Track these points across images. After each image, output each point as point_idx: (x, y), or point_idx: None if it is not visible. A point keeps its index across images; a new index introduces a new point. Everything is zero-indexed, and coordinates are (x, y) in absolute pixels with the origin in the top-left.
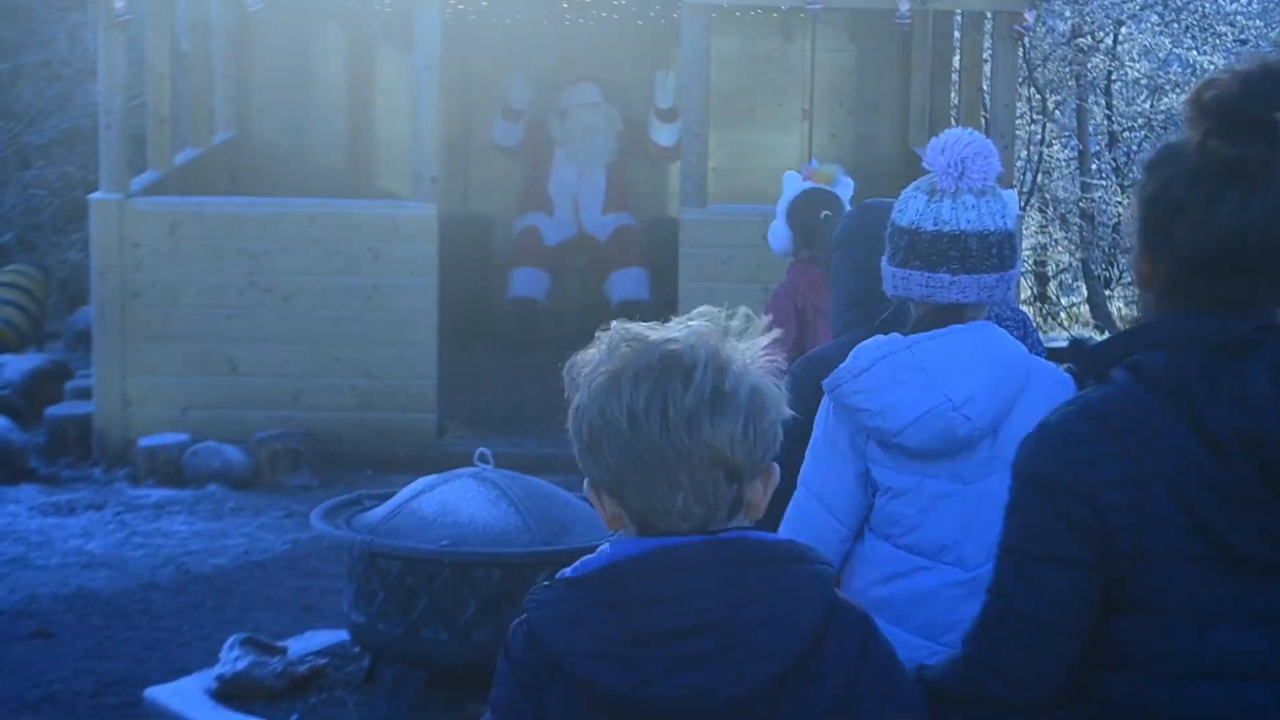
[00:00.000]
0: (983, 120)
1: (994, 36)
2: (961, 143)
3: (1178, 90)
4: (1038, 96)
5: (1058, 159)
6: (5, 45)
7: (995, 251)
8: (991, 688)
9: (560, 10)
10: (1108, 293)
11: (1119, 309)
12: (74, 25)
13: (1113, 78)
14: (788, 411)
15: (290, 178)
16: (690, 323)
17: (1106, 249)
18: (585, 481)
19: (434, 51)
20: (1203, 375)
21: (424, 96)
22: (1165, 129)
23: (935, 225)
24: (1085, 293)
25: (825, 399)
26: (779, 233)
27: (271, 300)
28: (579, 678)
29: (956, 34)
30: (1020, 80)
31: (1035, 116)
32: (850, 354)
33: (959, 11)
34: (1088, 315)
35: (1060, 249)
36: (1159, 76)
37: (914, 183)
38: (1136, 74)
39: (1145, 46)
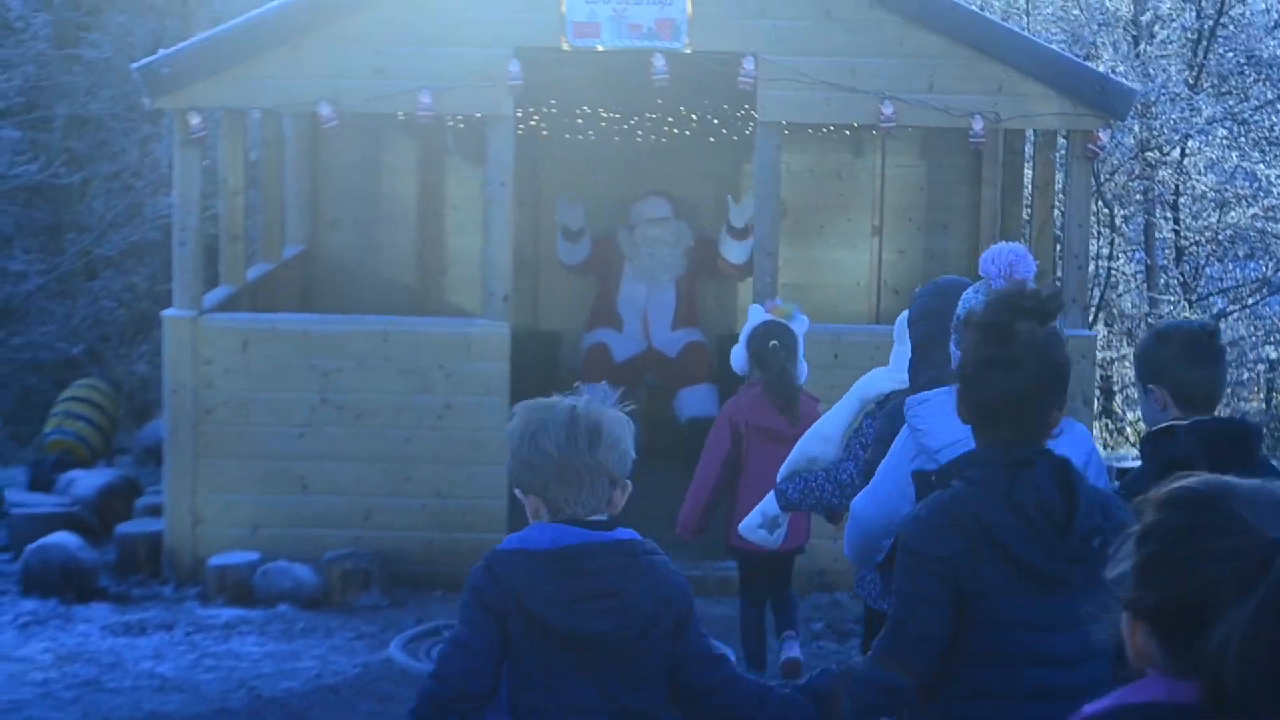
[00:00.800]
0: (1055, 237)
1: (1068, 155)
2: (1006, 250)
3: (1245, 204)
4: (1105, 210)
5: (1124, 273)
6: (77, 157)
7: None
8: (896, 677)
9: (632, 127)
10: None
11: None
12: (145, 137)
13: (1180, 191)
14: (632, 451)
15: (360, 292)
16: (580, 397)
17: None
18: (517, 489)
19: (506, 168)
20: (1008, 477)
21: (495, 213)
22: (1232, 244)
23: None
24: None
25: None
26: (739, 355)
27: (343, 418)
28: (537, 616)
29: (1028, 149)
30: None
31: (1102, 230)
32: (921, 394)
33: (1031, 129)
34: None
35: (1127, 364)
36: (1226, 190)
37: (974, 285)
38: (1204, 188)
39: (1212, 160)
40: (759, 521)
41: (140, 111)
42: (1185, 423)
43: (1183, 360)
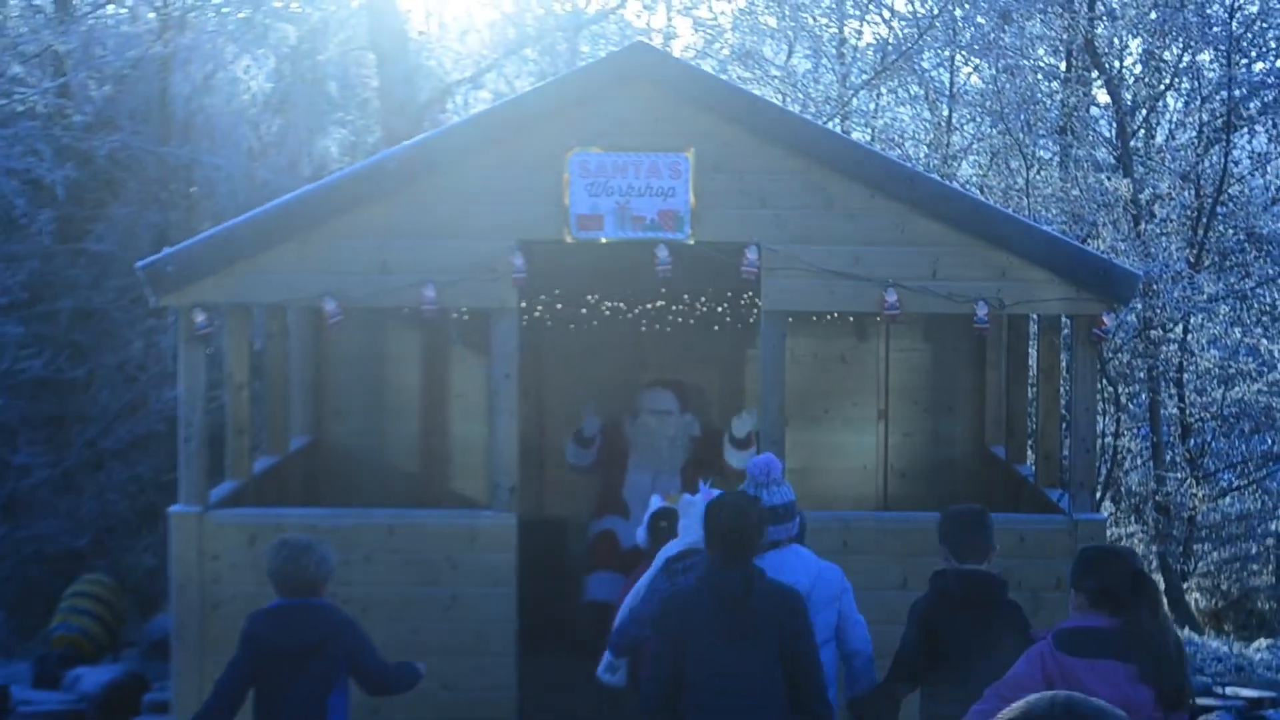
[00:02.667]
0: (1061, 418)
1: (1073, 339)
2: (764, 460)
3: (1249, 379)
4: (1110, 388)
5: (1130, 450)
6: (81, 349)
7: (787, 512)
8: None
9: (635, 316)
10: (1185, 585)
11: (1196, 600)
12: (149, 329)
13: (1184, 368)
14: None
15: (366, 481)
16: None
17: (1181, 541)
18: None
19: (511, 359)
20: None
21: (500, 405)
22: (1237, 419)
23: (771, 503)
24: (1162, 585)
25: None
26: (641, 535)
27: (350, 611)
28: None
29: (1032, 330)
30: None
31: (1108, 407)
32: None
33: (1035, 314)
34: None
35: (1135, 541)
36: (1229, 366)
37: (745, 484)
38: (1207, 364)
39: (1214, 336)
40: (602, 667)
41: (144, 303)
42: (956, 567)
43: (958, 529)
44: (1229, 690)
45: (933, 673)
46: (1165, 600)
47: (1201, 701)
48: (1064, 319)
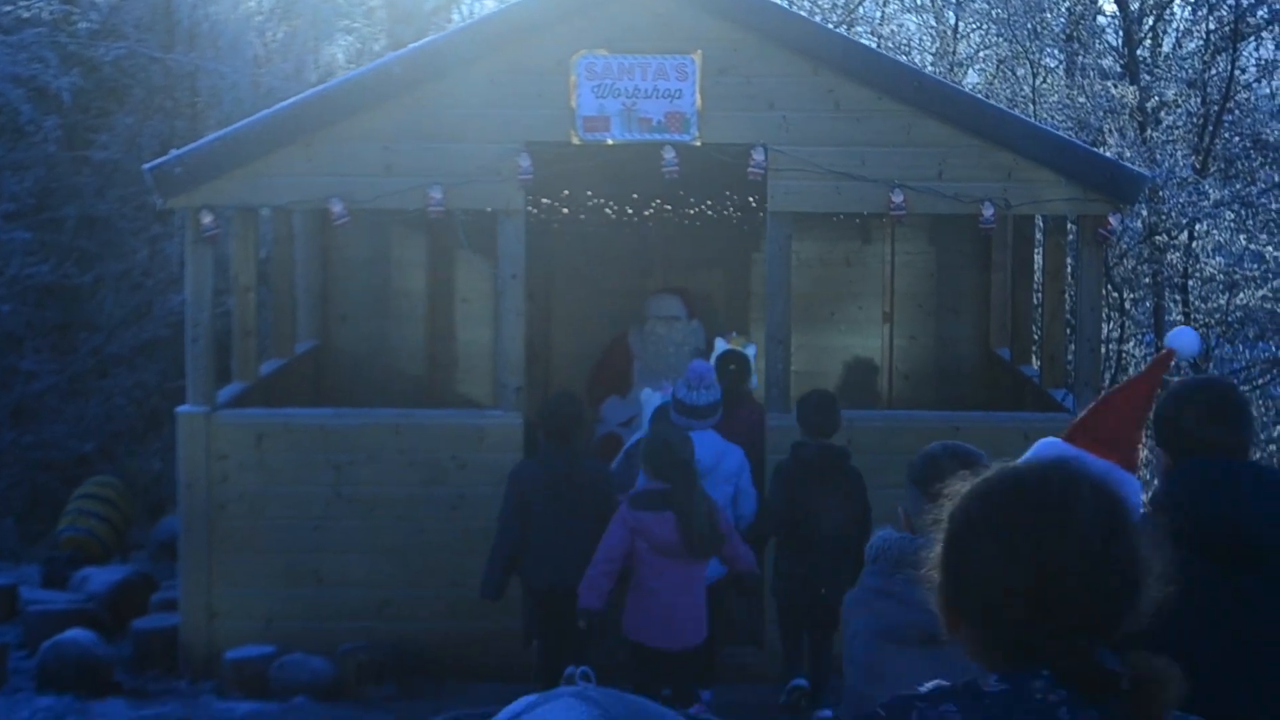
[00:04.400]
0: (1066, 321)
1: (1079, 240)
2: (701, 367)
3: (1253, 286)
4: (1115, 294)
5: (1134, 355)
6: (87, 256)
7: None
8: None
9: (642, 219)
10: None
11: None
12: (154, 236)
13: (1188, 274)
14: None
15: (372, 386)
16: None
17: None
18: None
19: (517, 261)
20: None
21: (507, 306)
22: (1241, 325)
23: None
24: None
25: None
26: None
27: (357, 511)
28: None
29: (1038, 234)
30: None
31: (1112, 313)
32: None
33: (1041, 214)
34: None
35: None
36: (1234, 272)
37: (678, 382)
38: (1212, 270)
39: (1219, 242)
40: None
41: (149, 211)
42: (812, 440)
43: (813, 410)
44: None
45: (788, 528)
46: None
47: None
48: (1070, 221)
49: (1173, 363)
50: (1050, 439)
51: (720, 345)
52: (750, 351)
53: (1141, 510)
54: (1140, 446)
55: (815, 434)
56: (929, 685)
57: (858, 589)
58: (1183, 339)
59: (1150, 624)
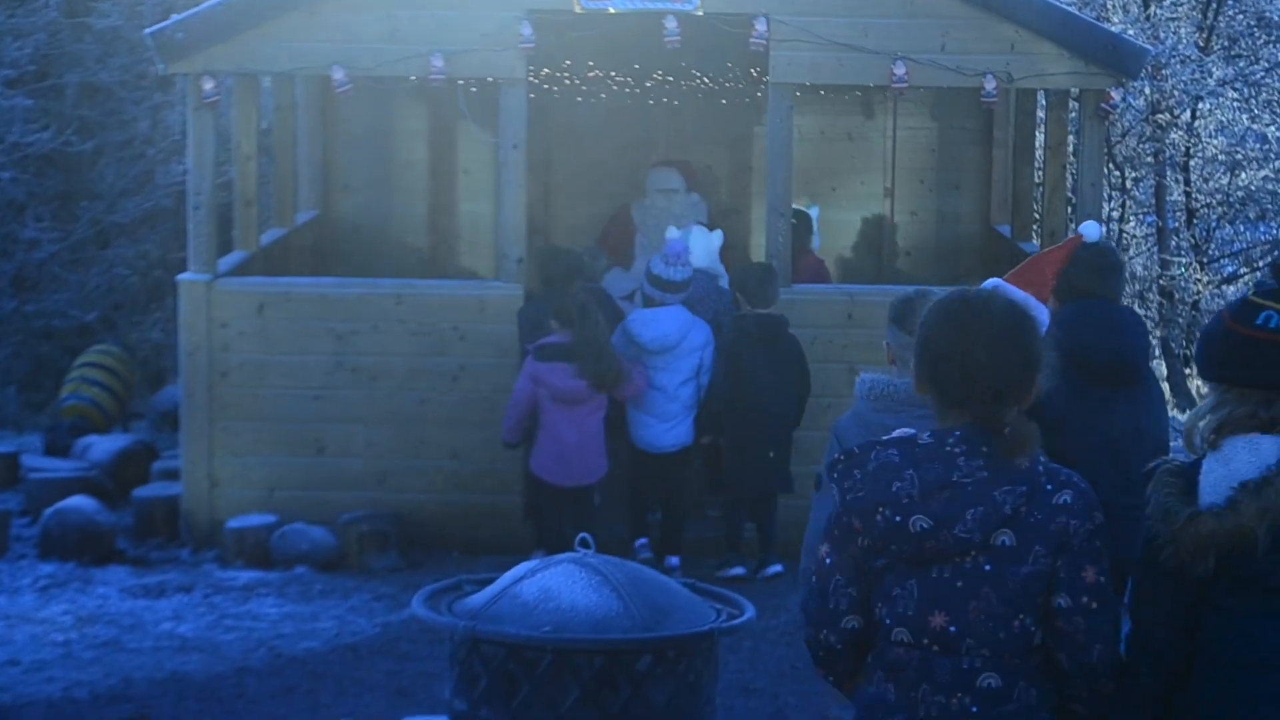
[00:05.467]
0: (1067, 198)
1: (1080, 115)
2: (678, 244)
3: (1255, 166)
4: (1116, 173)
5: (1135, 235)
6: (87, 125)
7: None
8: None
9: (644, 91)
10: (1187, 371)
11: (1197, 386)
12: (156, 105)
13: (1191, 154)
14: None
15: (373, 257)
16: None
17: (1185, 326)
18: None
19: (519, 131)
20: None
21: (509, 176)
22: (1243, 206)
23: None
24: (1165, 370)
25: None
26: None
27: (358, 381)
28: None
29: (1040, 111)
30: None
31: (1113, 193)
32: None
33: (1043, 89)
34: (1167, 393)
35: None
36: (1236, 153)
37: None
38: (1214, 150)
39: (1222, 122)
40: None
41: (151, 80)
42: (753, 310)
43: (753, 282)
44: None
45: (737, 392)
46: (1168, 384)
47: None
48: (1072, 96)
49: (1079, 244)
50: (994, 279)
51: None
52: (814, 212)
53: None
54: (1049, 291)
55: (756, 304)
56: (893, 433)
57: (851, 415)
58: (1088, 228)
59: (1048, 420)
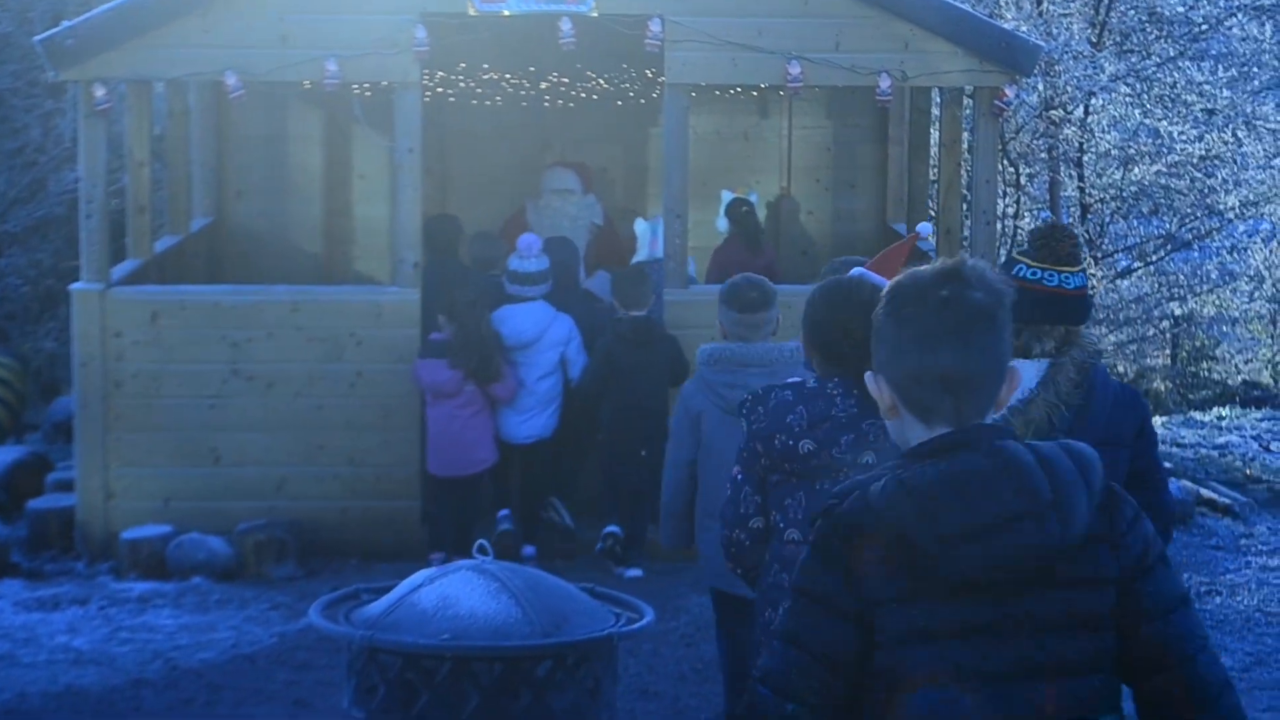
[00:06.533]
0: (962, 195)
1: (974, 112)
2: (529, 238)
3: (1148, 161)
4: (1010, 169)
5: (1029, 231)
6: None
7: (540, 277)
8: None
9: (539, 93)
10: None
11: None
12: (47, 112)
13: (1084, 149)
14: None
15: (268, 263)
16: None
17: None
18: None
19: (414, 134)
20: None
21: (404, 180)
22: (1136, 201)
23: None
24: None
25: None
26: (722, 222)
27: (254, 389)
28: None
29: (934, 108)
30: None
31: (1008, 189)
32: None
33: (938, 87)
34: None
35: None
36: (1129, 147)
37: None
38: (1107, 145)
39: (1115, 117)
40: None
41: (42, 87)
42: (627, 314)
43: (627, 285)
44: None
45: (609, 390)
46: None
47: None
48: (966, 93)
49: (917, 241)
50: (859, 268)
51: (727, 195)
52: (753, 198)
53: None
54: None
55: (629, 306)
56: (788, 380)
57: (695, 379)
58: (924, 227)
59: None
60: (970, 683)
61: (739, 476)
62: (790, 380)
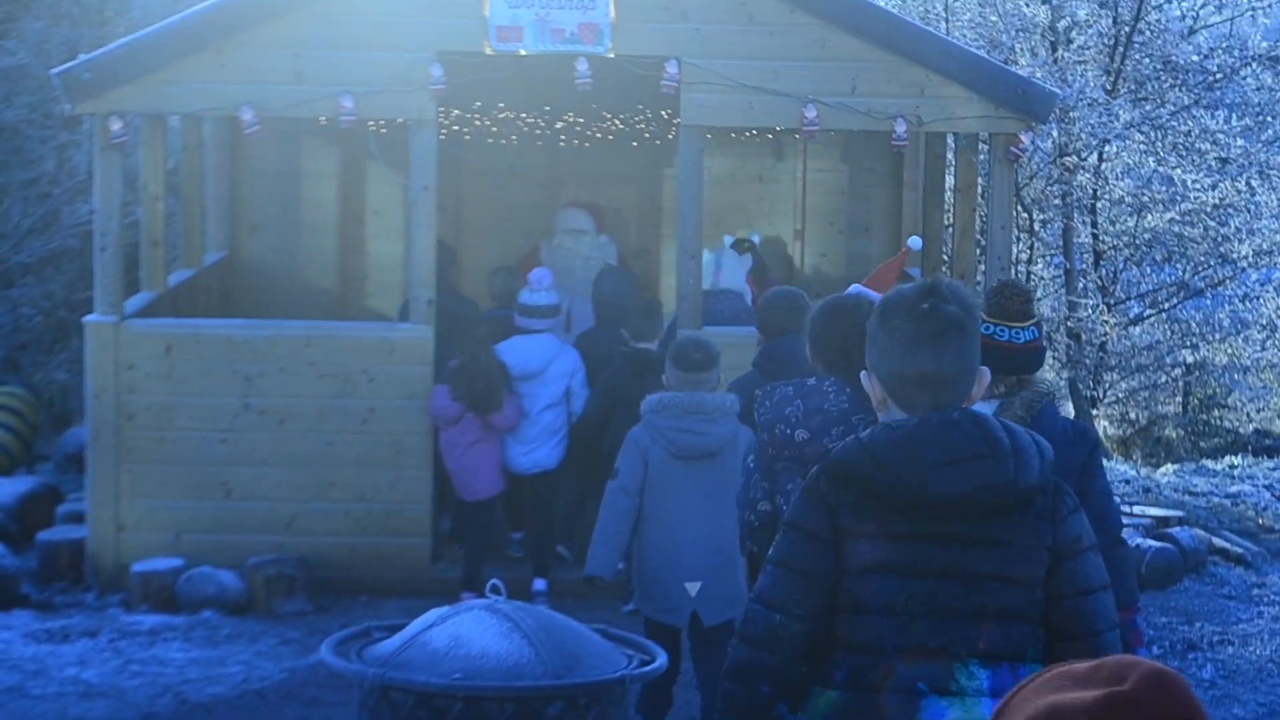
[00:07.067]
0: (976, 240)
1: (990, 158)
2: (540, 272)
3: (1161, 208)
4: (1024, 215)
5: (1043, 277)
6: None
7: (549, 311)
8: None
9: (554, 133)
10: (1094, 412)
11: (1104, 428)
12: (62, 144)
13: (1098, 196)
14: None
15: (281, 298)
16: None
17: (1092, 368)
18: None
19: (429, 171)
20: None
21: (419, 217)
22: (1149, 248)
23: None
24: (1072, 412)
25: None
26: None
27: (266, 423)
28: None
29: (949, 154)
30: None
31: (1021, 234)
32: None
33: (953, 132)
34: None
35: (1046, 368)
36: (1143, 195)
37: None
38: (1121, 192)
39: (1129, 165)
40: None
41: (57, 119)
42: (632, 346)
43: (637, 317)
44: (1137, 509)
45: (609, 424)
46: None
47: None
48: (981, 140)
49: (909, 254)
50: (856, 285)
51: (729, 240)
52: (754, 239)
53: None
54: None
55: (636, 337)
56: (791, 382)
57: (642, 424)
58: (914, 241)
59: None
60: (921, 612)
61: (751, 464)
62: (795, 381)
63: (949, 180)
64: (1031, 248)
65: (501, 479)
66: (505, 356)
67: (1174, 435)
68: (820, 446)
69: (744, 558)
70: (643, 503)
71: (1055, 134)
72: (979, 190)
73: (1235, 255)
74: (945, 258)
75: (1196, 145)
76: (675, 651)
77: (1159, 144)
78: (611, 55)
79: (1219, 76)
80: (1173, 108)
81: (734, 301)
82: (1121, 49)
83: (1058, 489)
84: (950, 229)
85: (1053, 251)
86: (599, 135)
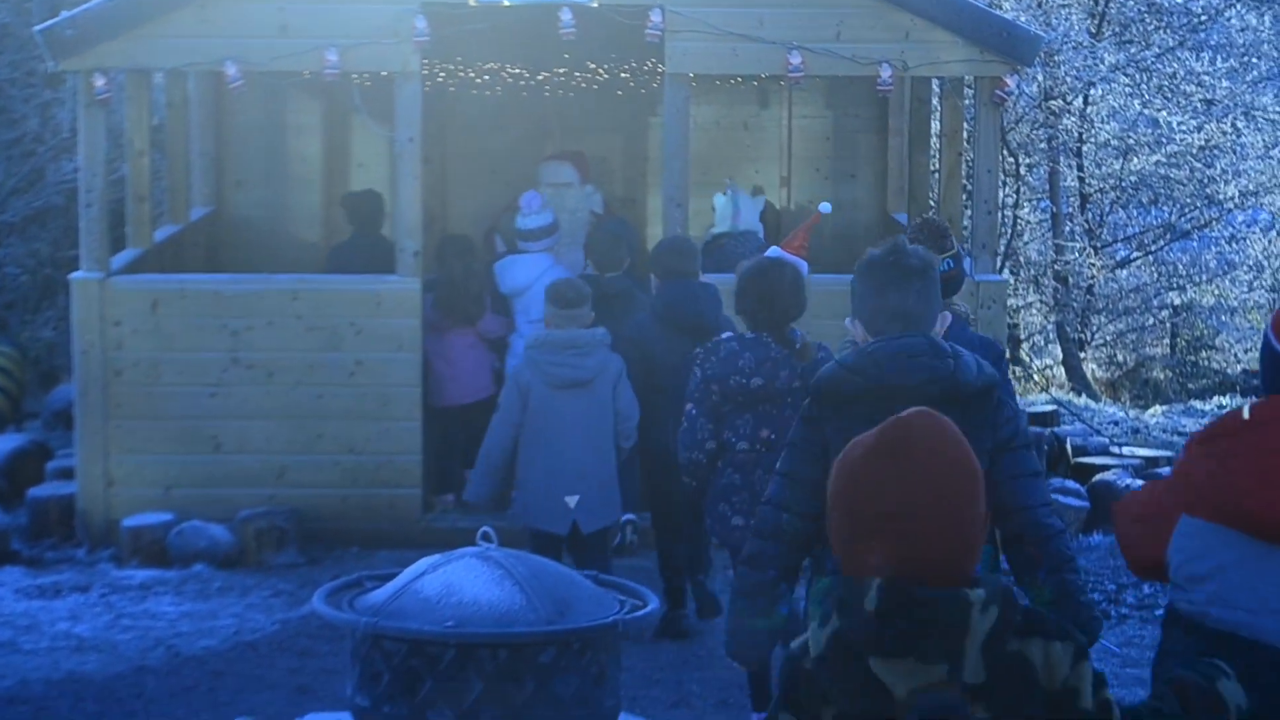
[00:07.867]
0: (963, 184)
1: (975, 102)
2: (530, 196)
3: (1147, 150)
4: (1010, 159)
5: (1029, 221)
6: None
7: (542, 233)
8: None
9: (539, 83)
10: (1082, 354)
11: (1092, 370)
12: (45, 102)
13: (1083, 139)
14: None
15: (268, 252)
16: None
17: (1079, 311)
18: None
19: (414, 124)
20: None
21: (404, 169)
22: (1135, 191)
23: (525, 226)
24: (1060, 355)
25: None
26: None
27: (254, 377)
28: None
29: (935, 99)
30: None
31: (1007, 179)
32: None
33: (938, 77)
34: (1062, 377)
35: (1033, 311)
36: (1128, 137)
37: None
38: (1107, 135)
39: (1114, 108)
40: None
41: (40, 77)
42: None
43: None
44: (1126, 450)
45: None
46: (1063, 368)
47: (1099, 460)
48: (966, 84)
49: (819, 219)
50: (774, 248)
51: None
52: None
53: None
54: (804, 252)
55: (603, 269)
56: (723, 335)
57: (524, 359)
58: (824, 206)
59: (652, 358)
60: None
61: (693, 411)
62: (726, 335)
63: (934, 125)
64: (1018, 191)
65: (492, 385)
66: (497, 275)
67: (1162, 377)
68: (772, 389)
69: (685, 491)
70: (526, 428)
71: (1040, 78)
72: (964, 135)
73: (1221, 197)
74: (932, 203)
75: (1182, 87)
76: (558, 556)
77: (1144, 86)
78: (595, 5)
79: (1204, 18)
80: (1158, 50)
81: (752, 242)
82: None
83: (999, 401)
84: (936, 174)
85: (1039, 195)
86: (584, 85)
